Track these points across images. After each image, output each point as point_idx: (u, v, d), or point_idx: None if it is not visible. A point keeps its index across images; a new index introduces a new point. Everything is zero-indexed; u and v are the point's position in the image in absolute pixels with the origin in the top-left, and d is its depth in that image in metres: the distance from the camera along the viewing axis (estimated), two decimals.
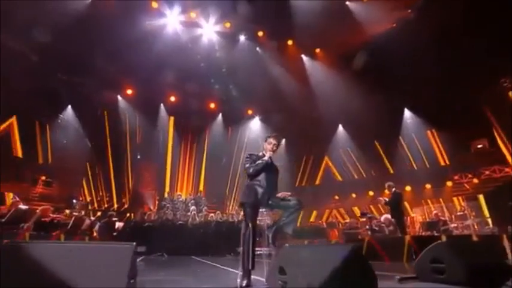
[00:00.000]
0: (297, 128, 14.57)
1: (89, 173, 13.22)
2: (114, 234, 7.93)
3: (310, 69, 13.09)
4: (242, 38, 12.74)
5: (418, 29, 10.48)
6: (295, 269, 2.01)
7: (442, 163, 12.53)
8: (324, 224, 10.97)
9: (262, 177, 3.32)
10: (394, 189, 7.71)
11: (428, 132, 12.84)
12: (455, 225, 9.37)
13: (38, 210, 7.75)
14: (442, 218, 9.48)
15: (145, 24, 11.48)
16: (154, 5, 11.10)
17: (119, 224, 8.25)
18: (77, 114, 12.64)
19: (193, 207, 11.23)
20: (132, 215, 11.48)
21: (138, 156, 14.05)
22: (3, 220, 6.05)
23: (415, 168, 12.74)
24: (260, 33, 12.57)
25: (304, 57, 13.11)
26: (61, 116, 12.17)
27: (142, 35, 11.54)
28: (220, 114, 15.63)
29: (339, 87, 12.38)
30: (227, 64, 13.14)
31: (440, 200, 11.81)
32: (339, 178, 13.96)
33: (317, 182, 14.50)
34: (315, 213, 13.60)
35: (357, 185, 13.20)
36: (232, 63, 13.05)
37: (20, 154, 11.44)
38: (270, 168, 3.37)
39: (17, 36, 10.23)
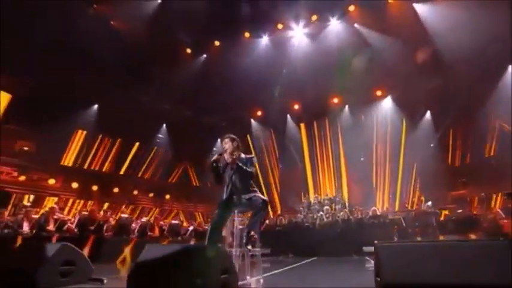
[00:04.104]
0: (441, 92, 11.44)
1: None
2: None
3: (430, 17, 10.12)
4: (335, 21, 11.81)
5: None
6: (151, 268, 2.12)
7: None
8: (500, 211, 7.83)
9: (228, 179, 3.36)
10: None
11: None
12: None
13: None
14: None
15: (247, 52, 12.99)
16: (247, 35, 12.43)
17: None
18: None
19: (326, 208, 11.11)
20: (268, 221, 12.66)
21: (280, 166, 15.58)
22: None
23: None
24: (351, 8, 11.21)
25: (416, 5, 10.37)
26: (214, 149, 15.54)
27: (249, 62, 13.06)
28: (346, 106, 14.69)
29: (487, 19, 8.87)
30: (333, 53, 12.42)
31: None
32: None
33: (490, 153, 10.40)
34: (497, 197, 9.81)
35: None
36: (338, 50, 12.23)
37: (197, 183, 15.61)
38: (231, 169, 3.35)
39: (171, 97, 14.03)
